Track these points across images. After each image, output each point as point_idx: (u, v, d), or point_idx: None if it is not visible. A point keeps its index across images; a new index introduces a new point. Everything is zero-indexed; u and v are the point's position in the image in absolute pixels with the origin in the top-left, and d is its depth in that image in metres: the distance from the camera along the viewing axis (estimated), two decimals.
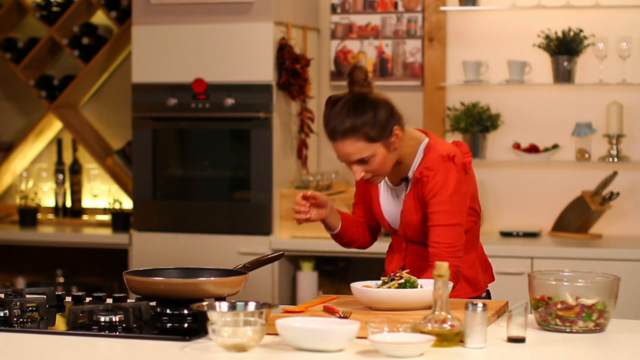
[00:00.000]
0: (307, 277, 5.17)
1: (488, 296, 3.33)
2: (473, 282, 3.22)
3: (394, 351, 2.38)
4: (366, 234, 3.39)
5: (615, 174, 5.08)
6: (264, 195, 5.09)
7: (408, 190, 3.17)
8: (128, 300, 2.87)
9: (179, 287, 2.78)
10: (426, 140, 3.18)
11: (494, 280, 3.36)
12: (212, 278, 2.91)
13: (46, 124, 5.95)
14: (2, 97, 6.18)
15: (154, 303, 2.81)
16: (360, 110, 3.06)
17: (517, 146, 5.28)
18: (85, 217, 5.92)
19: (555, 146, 5.25)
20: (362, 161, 3.08)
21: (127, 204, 5.70)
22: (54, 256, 5.79)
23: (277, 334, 2.50)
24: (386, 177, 3.22)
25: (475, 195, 3.23)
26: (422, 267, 3.13)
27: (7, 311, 2.75)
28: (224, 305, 2.64)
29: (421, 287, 2.90)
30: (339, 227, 3.32)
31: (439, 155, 3.11)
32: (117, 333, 2.64)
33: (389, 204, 3.25)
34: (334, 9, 5.55)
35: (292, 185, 5.28)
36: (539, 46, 5.18)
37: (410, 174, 3.16)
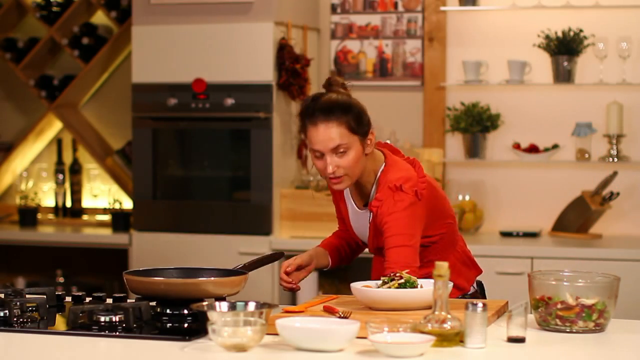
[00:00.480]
0: (307, 277, 5.13)
1: (481, 290, 3.34)
2: (455, 284, 3.21)
3: (394, 351, 2.38)
4: (355, 248, 3.46)
5: (615, 174, 5.08)
6: (264, 195, 5.09)
7: (370, 217, 3.20)
8: (128, 300, 2.87)
9: (179, 287, 2.78)
10: (382, 166, 3.22)
11: (481, 272, 3.36)
12: (212, 278, 2.91)
13: (46, 124, 5.95)
14: (2, 97, 6.18)
15: (154, 303, 2.81)
16: (344, 103, 3.14)
17: (517, 146, 5.28)
18: (85, 217, 5.92)
19: (555, 146, 5.25)
20: (338, 152, 3.10)
21: (127, 204, 5.70)
22: (54, 256, 5.79)
23: (277, 334, 2.51)
24: (353, 200, 3.26)
25: (441, 206, 3.24)
26: None
27: (7, 311, 2.75)
28: (224, 305, 2.64)
29: (421, 287, 2.91)
30: (330, 264, 3.42)
31: (387, 188, 3.15)
32: (117, 333, 2.64)
33: (358, 224, 3.29)
34: (334, 9, 5.55)
35: (292, 185, 5.28)
36: (539, 46, 5.18)
37: (370, 201, 3.21)
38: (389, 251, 3.09)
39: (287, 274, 3.27)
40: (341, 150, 3.11)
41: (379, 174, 3.21)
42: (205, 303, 2.66)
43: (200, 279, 2.90)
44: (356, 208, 3.27)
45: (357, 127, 3.12)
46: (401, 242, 3.09)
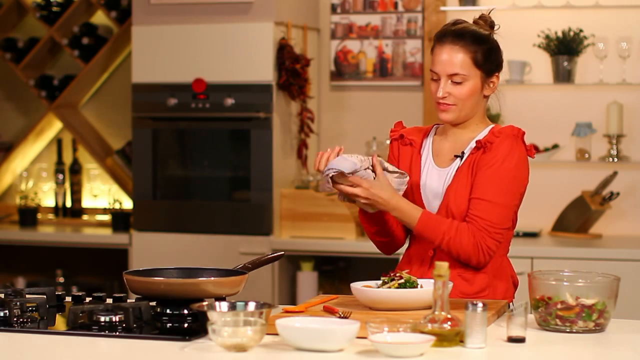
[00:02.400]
0: (307, 277, 5.18)
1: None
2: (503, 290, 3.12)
3: (394, 351, 2.38)
4: (401, 228, 3.20)
5: (615, 174, 5.08)
6: (264, 195, 5.09)
7: (462, 163, 3.07)
8: (128, 300, 2.87)
9: (179, 287, 2.77)
10: (493, 125, 3.14)
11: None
12: (212, 278, 2.91)
13: (46, 124, 5.95)
14: (2, 97, 6.18)
15: (154, 303, 2.81)
16: (482, 38, 3.09)
17: None
18: (85, 217, 5.93)
19: (555, 146, 5.25)
20: (454, 80, 3.03)
21: (127, 204, 5.71)
22: (54, 256, 5.79)
23: (277, 334, 2.50)
24: (434, 159, 3.11)
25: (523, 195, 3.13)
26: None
27: (7, 311, 2.75)
28: (224, 305, 2.64)
29: (421, 287, 2.90)
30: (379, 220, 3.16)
31: (511, 127, 3.07)
32: (117, 333, 2.63)
33: (432, 180, 3.11)
34: (334, 9, 5.55)
35: (292, 185, 5.28)
36: (539, 46, 5.18)
37: (467, 150, 3.07)
38: (478, 202, 2.97)
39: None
40: (458, 80, 3.04)
41: (490, 126, 3.10)
42: (205, 303, 2.66)
43: (200, 279, 2.90)
44: (436, 166, 3.11)
45: (483, 63, 3.06)
46: (496, 196, 2.96)
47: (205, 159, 5.24)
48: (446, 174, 3.10)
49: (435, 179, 3.11)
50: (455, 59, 3.04)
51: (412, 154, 3.17)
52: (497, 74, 3.15)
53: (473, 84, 3.06)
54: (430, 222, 3.02)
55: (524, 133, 3.11)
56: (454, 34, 3.07)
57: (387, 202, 3.00)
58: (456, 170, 3.08)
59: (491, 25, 3.18)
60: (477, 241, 2.99)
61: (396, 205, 3.00)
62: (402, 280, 2.90)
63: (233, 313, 2.55)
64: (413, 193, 3.13)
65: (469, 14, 5.37)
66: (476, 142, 3.07)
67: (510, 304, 3.08)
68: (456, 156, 3.10)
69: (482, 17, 3.20)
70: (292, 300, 5.18)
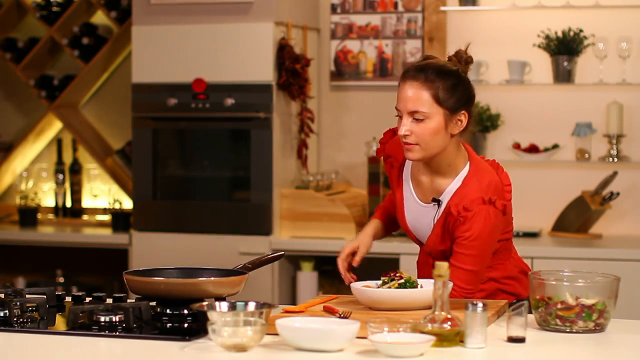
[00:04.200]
0: (307, 277, 5.18)
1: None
2: (515, 292, 3.14)
3: (394, 351, 2.38)
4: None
5: (615, 174, 5.08)
6: (264, 195, 5.09)
7: (438, 215, 3.03)
8: (128, 300, 2.87)
9: (179, 287, 2.77)
10: (467, 166, 3.04)
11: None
12: (212, 278, 2.91)
13: (46, 124, 5.95)
14: (2, 97, 6.18)
15: (154, 303, 2.81)
16: (445, 72, 2.96)
17: (517, 146, 5.28)
18: (85, 217, 5.92)
19: (555, 146, 5.25)
20: (415, 117, 2.92)
21: (127, 204, 5.70)
22: (54, 256, 5.79)
23: (277, 334, 2.50)
24: (415, 192, 3.09)
25: (510, 213, 3.09)
26: None
27: (7, 311, 2.75)
28: (224, 305, 2.64)
29: (421, 287, 2.90)
30: (384, 234, 3.32)
31: (480, 198, 2.96)
32: (117, 333, 2.63)
33: (416, 220, 3.11)
34: (334, 9, 5.55)
35: (292, 185, 5.28)
36: (539, 46, 5.18)
37: (443, 198, 3.02)
38: (456, 270, 2.93)
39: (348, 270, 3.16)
40: (419, 117, 2.93)
41: (464, 170, 3.02)
42: (205, 303, 2.66)
43: (200, 279, 2.90)
44: (418, 201, 3.08)
45: (446, 99, 2.93)
46: (476, 265, 2.96)
47: (205, 159, 5.24)
48: (427, 213, 3.07)
49: (417, 212, 3.10)
50: (415, 95, 2.92)
51: (397, 176, 3.15)
52: (464, 111, 2.98)
53: (436, 122, 2.93)
54: None
55: (495, 200, 2.98)
56: (417, 69, 2.96)
57: None
58: (436, 221, 3.05)
59: (466, 61, 3.05)
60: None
61: None
62: (402, 280, 2.90)
63: (233, 313, 2.55)
64: (400, 220, 3.17)
65: (469, 14, 5.38)
66: (448, 205, 2.99)
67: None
68: (434, 200, 3.05)
69: (457, 53, 3.05)
70: (292, 300, 5.18)
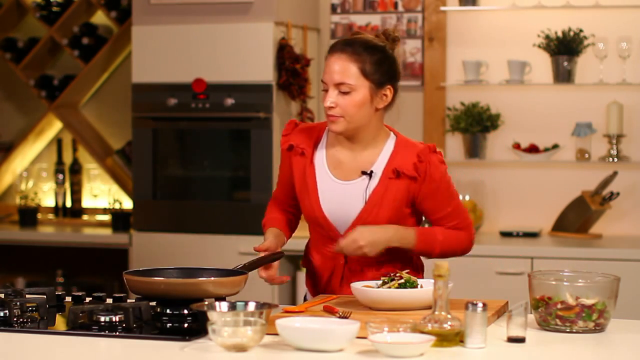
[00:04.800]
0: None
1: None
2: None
3: (394, 351, 2.38)
4: (298, 216, 3.31)
5: (615, 174, 5.08)
6: (264, 195, 5.09)
7: (372, 187, 3.03)
8: (128, 300, 2.87)
9: (179, 287, 2.77)
10: (393, 136, 3.10)
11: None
12: (212, 278, 2.91)
13: (46, 124, 5.95)
14: (2, 97, 6.18)
15: (154, 303, 2.81)
16: (372, 47, 3.00)
17: (517, 146, 5.28)
18: (85, 217, 5.93)
19: (555, 146, 5.25)
20: (341, 89, 2.96)
21: (127, 204, 5.71)
22: (54, 256, 5.79)
23: (277, 334, 2.50)
24: (331, 172, 3.08)
25: None
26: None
27: (7, 311, 2.75)
28: (224, 305, 2.64)
29: (421, 287, 2.91)
30: (286, 241, 3.30)
31: (427, 147, 3.05)
32: (117, 333, 2.63)
33: (336, 202, 3.07)
34: (334, 9, 5.55)
35: None
36: (539, 46, 5.18)
37: (375, 168, 3.04)
38: (449, 214, 3.06)
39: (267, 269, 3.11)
40: (345, 89, 2.96)
41: (391, 140, 3.06)
42: (205, 303, 2.66)
43: (200, 279, 2.90)
44: (339, 181, 3.07)
45: (373, 73, 2.97)
46: (457, 200, 3.10)
47: (205, 159, 5.24)
48: (354, 189, 3.05)
49: (338, 192, 3.07)
50: (342, 67, 2.96)
51: (305, 164, 3.11)
52: (389, 86, 3.03)
53: (361, 95, 2.97)
54: (426, 237, 3.07)
55: (435, 146, 3.09)
56: (344, 43, 3.00)
57: (390, 240, 3.02)
58: (372, 192, 3.04)
59: (393, 39, 3.07)
60: (467, 234, 3.13)
61: (396, 237, 3.03)
62: (402, 280, 2.91)
63: (233, 313, 2.55)
64: (313, 209, 3.09)
65: (469, 14, 5.38)
66: (396, 168, 3.02)
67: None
68: (364, 173, 3.05)
69: (385, 31, 3.09)
70: (292, 300, 5.17)
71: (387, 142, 3.08)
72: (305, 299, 3.26)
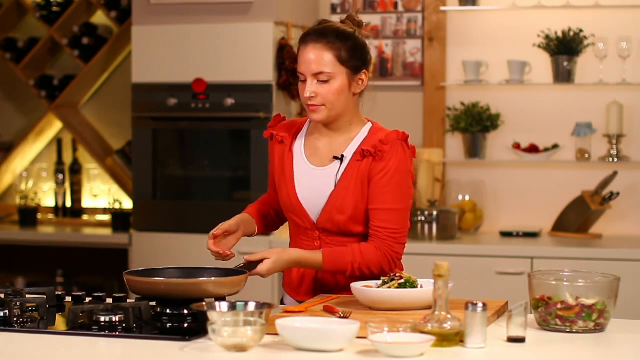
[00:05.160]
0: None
1: None
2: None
3: (394, 351, 2.38)
4: (281, 215, 3.30)
5: (615, 174, 5.08)
6: None
7: (342, 170, 3.06)
8: (128, 300, 2.87)
9: (179, 288, 2.77)
10: (368, 123, 3.13)
11: None
12: (213, 278, 2.90)
13: (46, 124, 5.95)
14: (2, 97, 6.18)
15: (154, 303, 2.81)
16: (345, 35, 3.04)
17: (517, 146, 5.28)
18: (85, 217, 5.93)
19: (555, 146, 5.25)
20: (319, 78, 3.00)
21: (127, 204, 5.71)
22: (54, 256, 5.78)
23: (277, 334, 2.50)
24: (307, 159, 3.11)
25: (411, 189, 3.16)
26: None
27: (7, 311, 2.75)
28: (224, 305, 2.64)
29: (421, 287, 2.91)
30: (257, 231, 3.28)
31: (395, 132, 3.06)
32: (117, 333, 2.63)
33: (310, 189, 3.10)
34: (334, 9, 5.55)
35: None
36: (539, 46, 5.18)
37: (346, 153, 3.07)
38: (379, 212, 3.00)
39: (215, 238, 3.11)
40: (324, 78, 3.00)
41: (366, 126, 3.10)
42: (205, 303, 2.66)
43: (201, 279, 2.90)
44: (314, 167, 3.10)
45: (349, 60, 3.01)
46: (397, 203, 3.01)
47: (205, 159, 5.24)
48: (326, 175, 3.08)
49: (312, 178, 3.10)
50: (319, 57, 2.99)
51: (284, 152, 3.16)
52: (364, 70, 3.07)
53: (340, 82, 3.01)
54: (334, 257, 3.04)
55: (408, 136, 3.10)
56: (317, 33, 3.02)
57: (288, 264, 3.05)
58: (341, 175, 3.06)
59: (358, 24, 3.11)
60: (384, 253, 3.03)
61: (297, 259, 3.04)
62: (402, 280, 2.90)
63: (233, 313, 2.55)
64: (289, 195, 3.12)
65: (469, 14, 5.38)
66: (362, 148, 3.05)
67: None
68: (335, 158, 3.08)
69: (349, 17, 3.12)
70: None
71: (362, 129, 3.11)
72: (282, 303, 3.24)
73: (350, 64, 3.02)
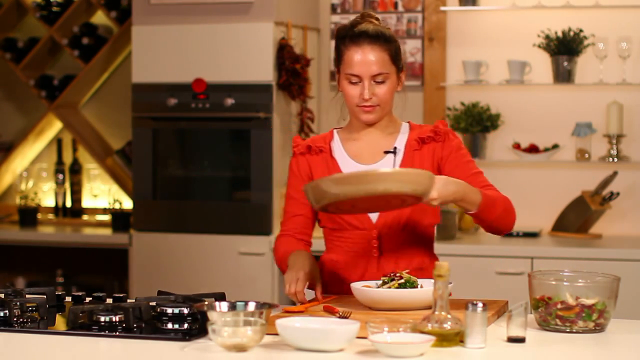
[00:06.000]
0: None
1: None
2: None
3: (394, 351, 2.38)
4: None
5: (615, 174, 5.08)
6: (264, 195, 5.09)
7: (399, 161, 3.08)
8: (128, 300, 2.87)
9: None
10: (405, 122, 3.18)
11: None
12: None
13: (46, 124, 5.95)
14: (2, 97, 6.18)
15: (153, 303, 2.81)
16: (391, 36, 3.08)
17: (517, 146, 5.28)
18: (85, 217, 5.93)
19: (555, 146, 5.25)
20: (376, 79, 3.02)
21: (127, 204, 5.71)
22: (54, 256, 5.79)
23: (277, 334, 2.50)
24: (353, 159, 3.10)
25: None
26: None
27: (7, 311, 2.75)
28: (224, 305, 2.64)
29: (421, 287, 2.91)
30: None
31: (441, 121, 3.13)
32: (117, 333, 2.63)
33: None
34: (334, 9, 5.55)
35: None
36: (539, 46, 5.18)
37: (397, 145, 3.10)
38: (478, 175, 3.06)
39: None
40: (380, 79, 3.03)
41: (405, 123, 3.15)
42: (205, 303, 2.66)
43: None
44: (363, 166, 3.08)
45: (397, 59, 3.06)
46: (476, 167, 3.10)
47: (205, 159, 5.24)
48: (382, 167, 3.07)
49: None
50: (378, 58, 3.02)
51: (326, 159, 3.14)
52: (404, 70, 3.14)
53: (392, 81, 3.06)
54: (488, 197, 2.98)
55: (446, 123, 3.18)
56: (370, 34, 3.03)
57: (454, 195, 2.89)
58: (399, 165, 3.07)
59: (377, 20, 3.13)
60: (508, 198, 3.08)
61: (463, 192, 2.91)
62: (402, 280, 2.90)
63: (233, 313, 2.55)
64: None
65: (469, 14, 5.38)
66: (419, 137, 3.09)
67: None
68: (387, 152, 3.10)
69: (365, 14, 3.11)
70: (292, 301, 5.17)
71: (401, 125, 3.16)
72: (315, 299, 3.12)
73: (399, 64, 3.08)
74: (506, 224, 3.04)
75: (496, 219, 3.01)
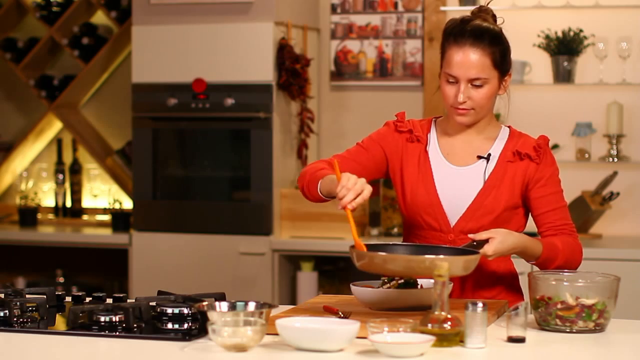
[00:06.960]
0: (307, 277, 5.17)
1: None
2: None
3: (394, 351, 2.38)
4: None
5: (615, 174, 5.08)
6: (264, 195, 5.09)
7: (490, 169, 3.00)
8: (128, 300, 2.87)
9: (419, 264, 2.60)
10: (506, 126, 3.10)
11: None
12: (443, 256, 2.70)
13: (46, 124, 5.95)
14: (2, 97, 6.18)
15: (153, 303, 2.81)
16: (496, 33, 2.96)
17: None
18: (85, 217, 5.93)
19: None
20: (474, 83, 2.92)
21: (127, 204, 5.70)
22: (54, 256, 5.79)
23: (277, 334, 2.50)
24: (445, 158, 3.03)
25: None
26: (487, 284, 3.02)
27: (7, 311, 2.75)
28: (224, 305, 2.64)
29: (421, 287, 2.90)
30: None
31: (544, 138, 3.07)
32: (117, 333, 2.63)
33: (451, 188, 3.00)
34: (334, 9, 5.55)
35: (292, 185, 5.28)
36: (539, 46, 5.18)
37: (492, 151, 3.02)
38: (558, 211, 3.05)
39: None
40: (478, 83, 2.92)
41: (504, 128, 3.07)
42: (205, 303, 2.66)
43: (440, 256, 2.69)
44: (454, 167, 3.01)
45: (501, 63, 2.93)
46: (564, 201, 3.08)
47: (205, 159, 5.24)
48: (472, 174, 3.01)
49: (456, 178, 3.01)
50: (479, 62, 2.90)
51: (420, 152, 3.06)
52: (510, 72, 3.02)
53: (492, 86, 2.95)
54: (550, 249, 2.99)
55: (549, 140, 3.15)
56: (473, 33, 2.92)
57: (513, 248, 2.92)
58: (490, 174, 3.01)
59: (494, 17, 3.04)
60: (578, 242, 3.05)
61: (523, 245, 2.96)
62: (402, 280, 2.90)
63: (233, 313, 2.55)
64: (429, 195, 3.01)
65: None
66: (517, 150, 3.03)
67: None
68: (480, 157, 3.03)
69: (483, 8, 3.03)
70: (292, 300, 5.17)
71: (501, 129, 3.09)
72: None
73: (502, 68, 2.96)
74: (568, 269, 2.99)
75: (557, 267, 2.98)
